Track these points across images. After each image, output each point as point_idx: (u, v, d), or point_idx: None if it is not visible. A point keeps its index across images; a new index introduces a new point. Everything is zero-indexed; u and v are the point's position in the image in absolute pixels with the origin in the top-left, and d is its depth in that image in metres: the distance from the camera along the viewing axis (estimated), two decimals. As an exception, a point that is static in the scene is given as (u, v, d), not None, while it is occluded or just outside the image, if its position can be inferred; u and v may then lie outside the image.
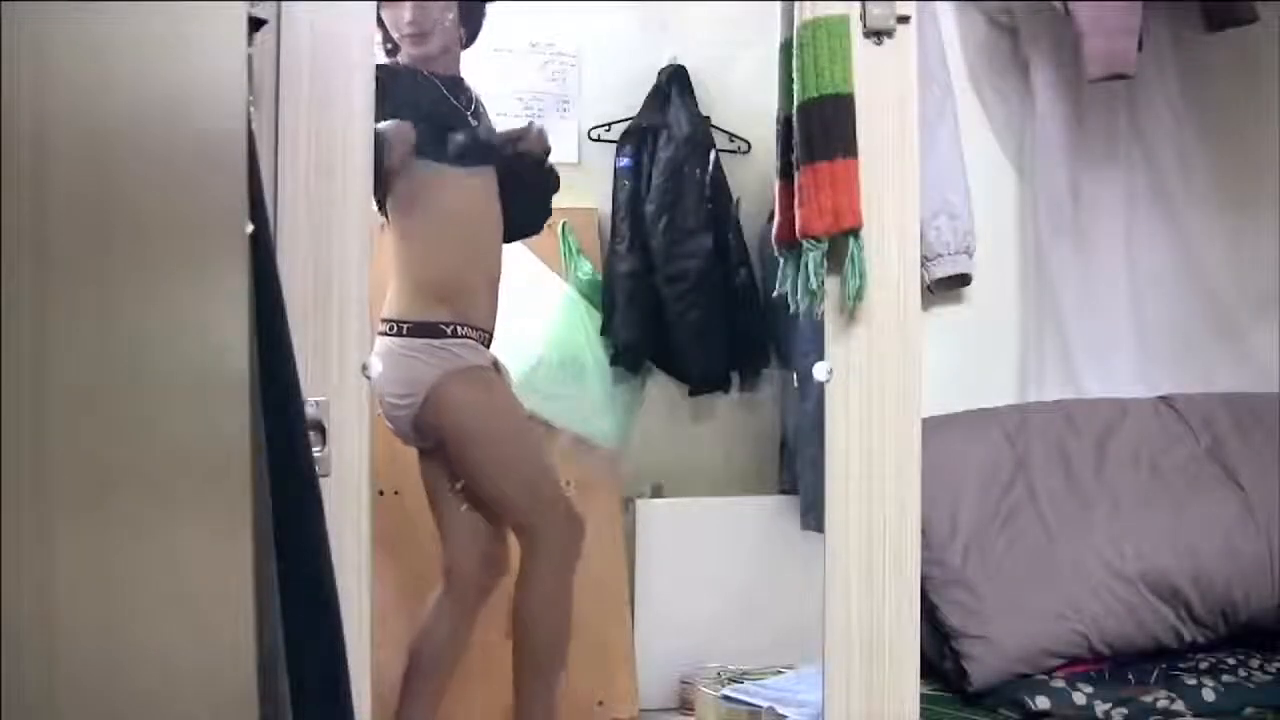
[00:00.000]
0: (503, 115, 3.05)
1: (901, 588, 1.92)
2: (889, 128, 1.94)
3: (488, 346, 2.62)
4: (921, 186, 2.00)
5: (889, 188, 1.93)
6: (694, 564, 3.14)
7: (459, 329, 2.55)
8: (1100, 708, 2.21)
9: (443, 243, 2.58)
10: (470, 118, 2.65)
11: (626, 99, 3.26)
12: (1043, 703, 2.22)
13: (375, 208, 2.41)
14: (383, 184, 2.43)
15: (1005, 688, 2.27)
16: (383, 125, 2.27)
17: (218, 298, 0.87)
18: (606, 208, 3.23)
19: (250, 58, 1.36)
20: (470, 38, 2.74)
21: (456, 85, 2.66)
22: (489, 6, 2.77)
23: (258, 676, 0.94)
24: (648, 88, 3.25)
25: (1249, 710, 2.24)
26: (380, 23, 2.59)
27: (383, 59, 2.60)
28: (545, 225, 2.92)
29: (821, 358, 1.94)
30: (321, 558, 1.30)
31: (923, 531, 1.99)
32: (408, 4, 2.57)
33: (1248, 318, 2.90)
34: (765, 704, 2.56)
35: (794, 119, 1.91)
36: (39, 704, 0.53)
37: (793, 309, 1.98)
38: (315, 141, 1.72)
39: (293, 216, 1.71)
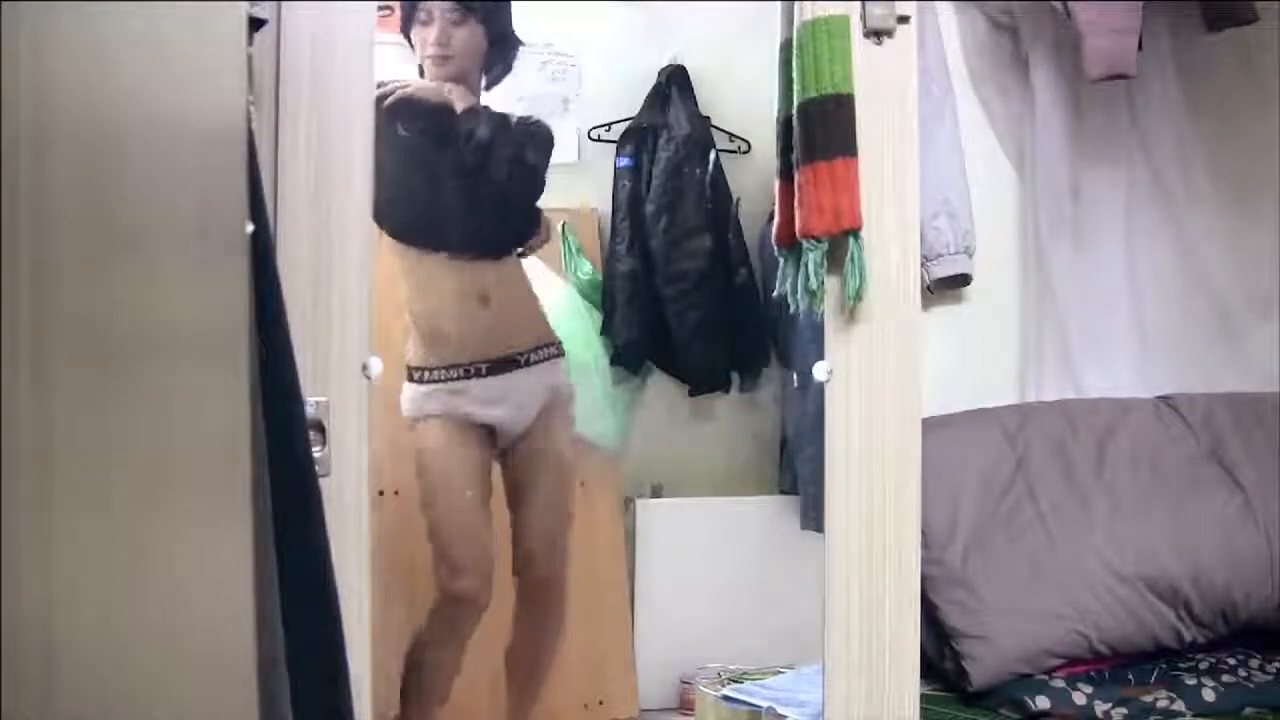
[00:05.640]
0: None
1: (901, 588, 1.91)
2: (889, 128, 1.93)
3: (477, 375, 2.63)
4: (921, 186, 2.00)
5: (889, 188, 1.93)
6: (694, 564, 3.14)
7: (426, 374, 2.62)
8: (1100, 708, 2.21)
9: (440, 317, 2.65)
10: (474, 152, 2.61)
11: (626, 99, 3.26)
12: (1043, 703, 2.22)
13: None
14: None
15: (1005, 688, 2.27)
16: None
17: (218, 298, 0.87)
18: (606, 208, 3.24)
19: (250, 58, 1.35)
20: (493, 82, 2.73)
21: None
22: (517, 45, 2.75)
23: (258, 676, 0.94)
24: (648, 88, 3.25)
25: (1249, 710, 2.24)
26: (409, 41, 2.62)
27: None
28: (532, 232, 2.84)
29: (821, 358, 1.94)
30: (321, 557, 1.30)
31: (923, 531, 1.99)
32: (435, 26, 2.57)
33: (1248, 318, 2.90)
34: (765, 704, 2.55)
35: (794, 119, 1.90)
36: (38, 704, 0.53)
37: (793, 309, 1.97)
38: (315, 141, 1.72)
39: (293, 216, 1.71)
